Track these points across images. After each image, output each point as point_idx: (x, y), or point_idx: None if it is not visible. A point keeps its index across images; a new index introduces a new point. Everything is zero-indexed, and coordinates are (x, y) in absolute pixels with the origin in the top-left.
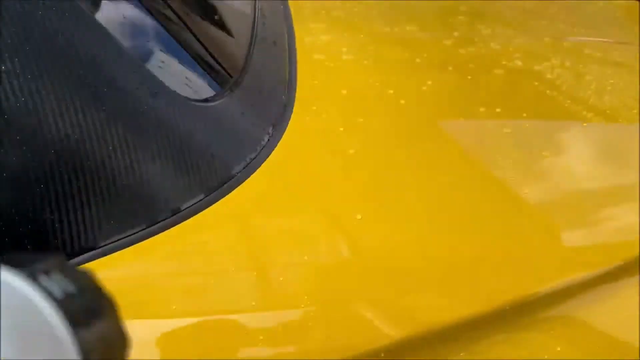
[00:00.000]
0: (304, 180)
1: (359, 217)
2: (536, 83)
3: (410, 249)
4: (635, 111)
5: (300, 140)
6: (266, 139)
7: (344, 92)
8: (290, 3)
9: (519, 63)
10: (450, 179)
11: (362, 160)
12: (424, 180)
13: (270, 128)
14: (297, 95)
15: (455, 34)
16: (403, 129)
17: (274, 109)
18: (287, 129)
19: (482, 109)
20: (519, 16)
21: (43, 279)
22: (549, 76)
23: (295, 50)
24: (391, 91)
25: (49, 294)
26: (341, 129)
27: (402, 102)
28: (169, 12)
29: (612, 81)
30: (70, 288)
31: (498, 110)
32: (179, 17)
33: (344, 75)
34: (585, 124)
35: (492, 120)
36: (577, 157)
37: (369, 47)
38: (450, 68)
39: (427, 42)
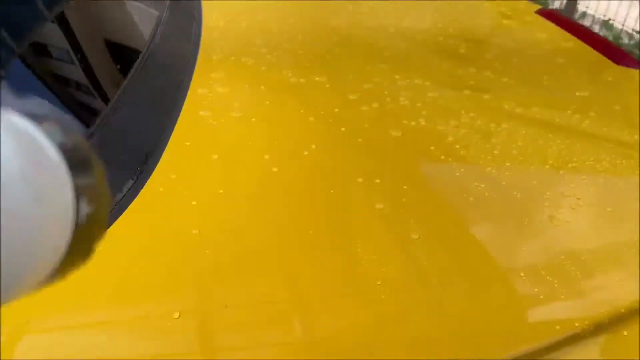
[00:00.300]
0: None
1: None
2: (432, 148)
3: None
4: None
5: (148, 214)
6: (119, 198)
7: (215, 156)
8: (203, 47)
9: (423, 122)
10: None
11: (204, 241)
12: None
13: (119, 195)
14: (165, 157)
15: (366, 86)
16: (270, 201)
17: (125, 173)
18: (137, 200)
19: (360, 180)
20: (443, 63)
21: (44, 126)
22: (450, 139)
23: (180, 104)
24: (267, 156)
25: (51, 137)
26: (194, 202)
27: (275, 169)
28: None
29: (520, 143)
30: (67, 141)
31: (377, 181)
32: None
33: (222, 137)
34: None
35: (365, 193)
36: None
37: (263, 101)
38: (343, 129)
39: (329, 94)
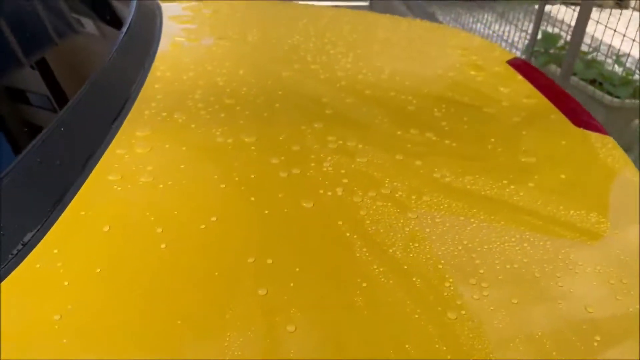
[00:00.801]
0: None
1: None
2: (340, 222)
3: None
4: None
5: (14, 296)
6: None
7: (105, 228)
8: (140, 99)
9: (339, 192)
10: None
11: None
12: None
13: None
14: (54, 228)
15: (294, 148)
16: (146, 284)
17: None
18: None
19: (250, 260)
20: (385, 122)
21: None
22: (362, 212)
23: (90, 168)
24: (160, 230)
25: None
26: (66, 283)
27: (163, 246)
28: None
29: (437, 219)
30: None
31: (269, 261)
32: None
33: (121, 206)
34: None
35: (251, 276)
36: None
37: (179, 165)
38: (252, 198)
39: (252, 157)
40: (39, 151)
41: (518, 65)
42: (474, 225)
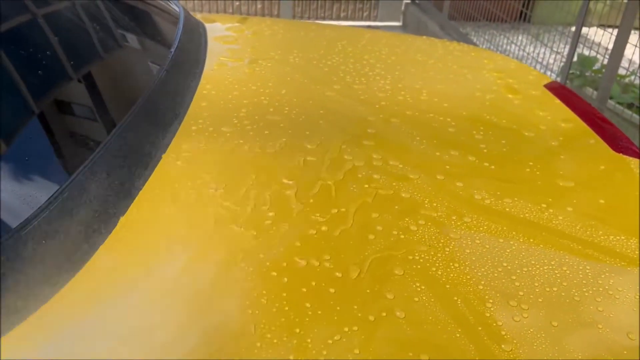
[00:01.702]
0: None
1: None
2: (380, 240)
3: None
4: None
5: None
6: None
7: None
8: (189, 115)
9: (374, 215)
10: None
11: None
12: None
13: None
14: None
15: (334, 165)
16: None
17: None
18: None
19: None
20: (425, 143)
21: None
22: (404, 232)
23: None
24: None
25: None
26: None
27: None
28: None
29: (477, 241)
30: None
31: (285, 279)
32: None
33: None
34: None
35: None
36: None
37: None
38: (272, 229)
39: (290, 175)
40: (93, 167)
41: (555, 89)
42: (514, 247)
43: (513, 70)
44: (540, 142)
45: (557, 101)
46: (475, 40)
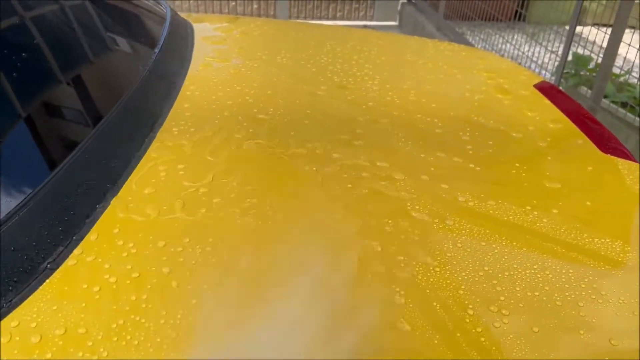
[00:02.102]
0: None
1: None
2: (364, 241)
3: None
4: None
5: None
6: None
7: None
8: (169, 119)
9: (365, 212)
10: None
11: None
12: None
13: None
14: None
15: (321, 166)
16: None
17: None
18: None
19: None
20: (410, 145)
21: None
22: (382, 235)
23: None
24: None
25: None
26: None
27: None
28: None
29: (459, 244)
30: None
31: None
32: None
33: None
34: None
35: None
36: None
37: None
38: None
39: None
40: (72, 168)
41: (545, 89)
42: (496, 250)
43: (504, 70)
44: (528, 143)
45: (547, 101)
46: (470, 39)
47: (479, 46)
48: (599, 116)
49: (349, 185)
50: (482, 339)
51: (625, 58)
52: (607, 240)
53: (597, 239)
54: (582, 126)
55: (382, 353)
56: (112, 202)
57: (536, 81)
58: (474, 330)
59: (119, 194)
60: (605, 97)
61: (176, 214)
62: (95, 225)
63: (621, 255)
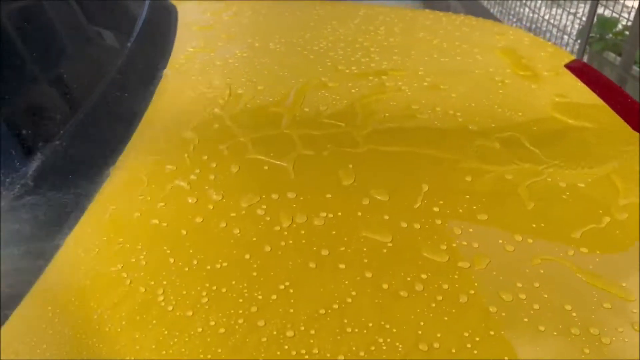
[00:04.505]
0: None
1: None
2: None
3: None
4: None
5: None
6: None
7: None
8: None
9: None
10: None
11: None
12: None
13: None
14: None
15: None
16: None
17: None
18: None
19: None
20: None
21: None
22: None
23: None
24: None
25: None
26: None
27: None
28: None
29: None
30: None
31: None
32: None
33: None
34: None
35: None
36: None
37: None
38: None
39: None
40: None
41: (578, 69)
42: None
43: (527, 47)
44: (560, 134)
45: (580, 84)
46: (486, 4)
47: (495, 10)
48: (629, 86)
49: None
50: None
51: None
52: None
53: None
54: (623, 113)
55: None
56: None
57: (566, 60)
58: None
59: None
60: (635, 63)
61: None
62: None
63: None
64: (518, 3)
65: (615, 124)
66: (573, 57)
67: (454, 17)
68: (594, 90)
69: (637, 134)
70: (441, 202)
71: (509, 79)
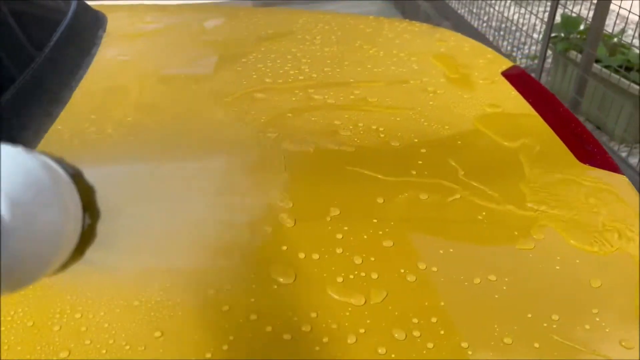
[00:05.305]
0: None
1: None
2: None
3: None
4: None
5: None
6: None
7: None
8: None
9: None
10: None
11: None
12: None
13: None
14: None
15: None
16: None
17: None
18: None
19: None
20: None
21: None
22: None
23: None
24: None
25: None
26: None
27: None
28: None
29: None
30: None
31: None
32: None
33: None
34: None
35: None
36: None
37: None
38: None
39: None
40: None
41: (514, 76)
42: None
43: (467, 54)
44: (489, 149)
45: (514, 93)
46: (454, 5)
47: (463, 11)
48: (590, 84)
49: None
50: None
51: (617, 14)
52: None
53: None
54: (557, 127)
55: None
56: None
57: (505, 66)
58: None
59: None
60: (597, 61)
61: None
62: None
63: None
64: (487, 3)
65: (544, 137)
66: (512, 64)
67: (396, 24)
68: (527, 99)
69: (565, 149)
70: (346, 227)
71: (442, 89)
